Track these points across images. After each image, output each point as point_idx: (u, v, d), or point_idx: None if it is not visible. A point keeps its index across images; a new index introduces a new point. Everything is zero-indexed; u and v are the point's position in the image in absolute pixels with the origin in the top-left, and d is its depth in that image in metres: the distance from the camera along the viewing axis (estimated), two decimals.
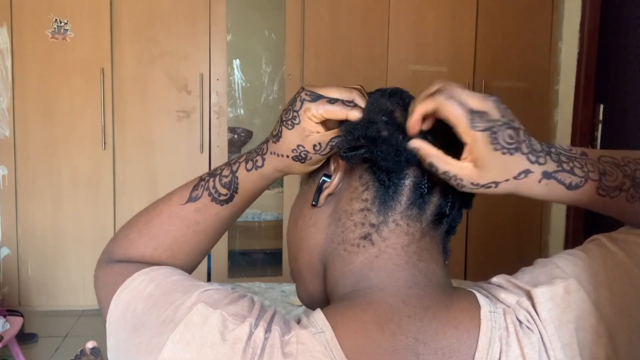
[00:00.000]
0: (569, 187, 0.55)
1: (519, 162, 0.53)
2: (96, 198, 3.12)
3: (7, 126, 3.02)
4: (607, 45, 3.03)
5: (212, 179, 0.64)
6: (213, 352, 0.49)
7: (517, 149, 0.52)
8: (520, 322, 0.53)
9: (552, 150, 0.55)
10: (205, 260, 3.22)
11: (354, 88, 0.59)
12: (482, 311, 0.54)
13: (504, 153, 0.52)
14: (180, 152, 3.19)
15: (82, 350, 1.55)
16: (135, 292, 0.57)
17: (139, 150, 3.15)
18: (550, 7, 3.33)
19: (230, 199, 0.63)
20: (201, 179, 0.65)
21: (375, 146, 0.55)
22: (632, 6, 2.77)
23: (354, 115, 0.56)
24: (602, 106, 3.00)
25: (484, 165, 0.52)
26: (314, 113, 0.57)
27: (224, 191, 0.63)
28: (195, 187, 0.64)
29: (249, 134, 3.80)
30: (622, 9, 2.88)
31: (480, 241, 3.36)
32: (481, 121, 0.51)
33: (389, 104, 0.59)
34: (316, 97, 0.57)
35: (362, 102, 0.58)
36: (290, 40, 3.22)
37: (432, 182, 0.57)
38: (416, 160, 0.55)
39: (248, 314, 0.52)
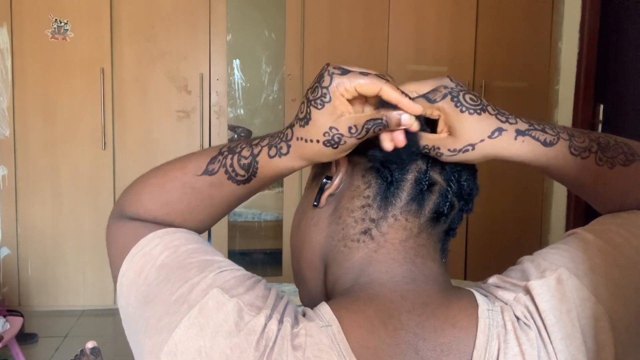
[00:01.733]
0: (545, 143, 0.57)
1: (489, 120, 0.56)
2: (96, 198, 3.12)
3: (7, 126, 3.02)
4: (607, 45, 3.03)
5: (230, 156, 0.59)
6: (226, 342, 0.49)
7: (484, 110, 0.55)
8: (518, 318, 0.53)
9: (520, 117, 0.58)
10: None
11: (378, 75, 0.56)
12: (480, 309, 0.54)
13: (470, 113, 0.55)
14: (180, 152, 3.13)
15: (82, 350, 1.55)
16: (149, 257, 0.56)
17: (139, 150, 3.15)
18: (550, 7, 3.33)
19: (247, 180, 0.59)
20: (220, 152, 0.60)
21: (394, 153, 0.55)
22: (632, 6, 2.77)
23: (388, 89, 0.53)
24: (602, 106, 3.00)
25: (457, 130, 0.55)
26: (346, 87, 0.52)
27: (241, 172, 0.59)
28: (212, 160, 0.59)
29: (249, 134, 3.80)
30: (622, 9, 2.88)
31: (480, 241, 3.36)
32: (436, 94, 0.55)
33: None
34: (346, 71, 0.53)
35: (394, 87, 0.55)
36: (290, 40, 3.22)
37: (432, 180, 0.58)
38: (419, 153, 0.57)
39: (263, 304, 0.52)
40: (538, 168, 0.60)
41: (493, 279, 0.59)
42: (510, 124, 0.56)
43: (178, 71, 3.16)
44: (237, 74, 3.75)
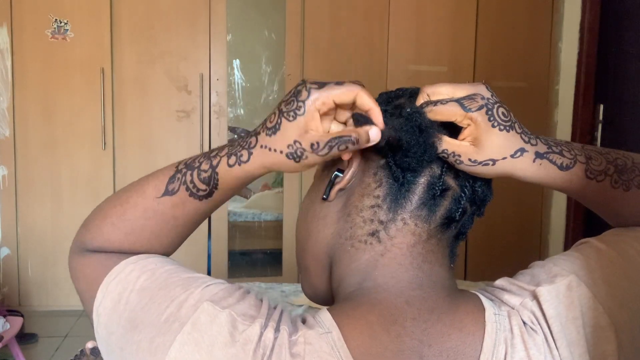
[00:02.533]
0: (561, 167, 0.57)
1: (515, 140, 0.55)
2: (96, 198, 3.12)
3: (7, 126, 3.02)
4: (607, 45, 3.03)
5: (189, 172, 0.57)
6: (223, 353, 0.48)
7: (512, 127, 0.55)
8: (524, 323, 0.53)
9: (540, 136, 0.57)
10: (205, 260, 3.23)
11: (353, 82, 0.56)
12: (487, 313, 0.54)
13: (501, 130, 0.54)
14: (180, 152, 3.19)
15: (82, 350, 1.55)
16: (126, 282, 0.54)
17: (139, 150, 3.15)
18: (550, 7, 3.33)
19: (209, 194, 0.58)
20: (177, 170, 0.58)
21: (399, 145, 0.54)
22: (632, 6, 2.77)
23: (363, 94, 0.53)
24: (602, 106, 3.00)
25: (483, 143, 0.54)
26: (324, 101, 0.52)
27: (202, 187, 0.57)
28: (171, 179, 0.58)
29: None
30: (622, 9, 2.88)
31: (480, 241, 3.36)
32: (473, 102, 0.54)
33: (408, 103, 0.59)
34: (322, 84, 0.53)
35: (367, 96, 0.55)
36: (290, 40, 3.22)
37: (446, 185, 0.57)
38: (435, 157, 0.56)
39: (256, 313, 0.51)
40: (551, 188, 0.60)
41: (500, 281, 0.59)
42: (532, 145, 0.56)
43: (178, 71, 3.16)
44: (237, 74, 3.75)
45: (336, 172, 0.60)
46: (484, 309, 0.54)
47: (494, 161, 0.55)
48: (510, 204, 3.36)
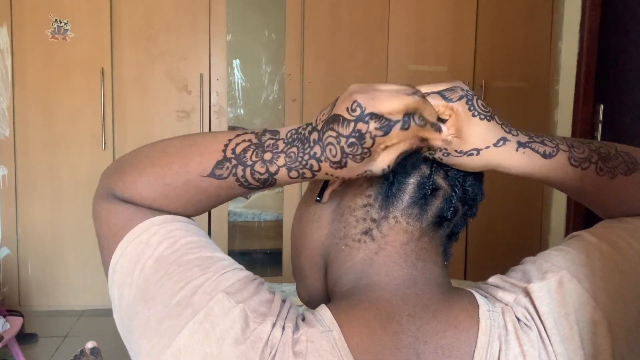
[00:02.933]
0: (544, 155, 0.57)
1: (496, 129, 0.56)
2: None
3: (7, 126, 3.02)
4: (607, 45, 3.03)
5: (241, 167, 0.54)
6: (233, 350, 0.49)
7: (492, 117, 0.56)
8: (518, 319, 0.54)
9: (519, 129, 0.58)
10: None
11: (414, 90, 0.53)
12: (481, 310, 0.54)
13: (481, 119, 0.55)
14: None
15: (81, 351, 1.55)
16: (146, 246, 0.54)
17: None
18: (550, 7, 3.33)
19: (261, 188, 0.57)
20: (225, 157, 0.55)
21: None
22: (632, 6, 2.77)
23: (428, 134, 0.52)
24: (602, 106, 3.00)
25: (465, 132, 0.55)
26: (387, 144, 0.51)
27: (256, 183, 0.55)
28: (219, 165, 0.55)
29: None
30: (622, 9, 2.88)
31: (480, 241, 3.36)
32: (453, 93, 0.55)
33: None
34: (387, 127, 0.50)
35: (427, 111, 0.52)
36: (290, 40, 3.22)
37: (436, 185, 0.58)
38: (420, 160, 0.57)
39: (268, 310, 0.52)
40: (538, 179, 0.60)
41: (493, 279, 0.59)
42: (513, 135, 0.57)
43: (178, 71, 3.16)
44: (237, 74, 3.75)
45: None
46: (478, 306, 0.55)
47: (478, 150, 0.55)
48: (510, 204, 3.36)
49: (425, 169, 0.58)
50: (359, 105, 0.50)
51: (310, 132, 0.53)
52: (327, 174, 0.53)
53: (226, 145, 0.55)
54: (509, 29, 3.31)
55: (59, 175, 3.09)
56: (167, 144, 0.60)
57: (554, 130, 3.36)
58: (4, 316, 2.47)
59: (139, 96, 3.14)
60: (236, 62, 3.73)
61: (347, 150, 0.50)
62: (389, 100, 0.50)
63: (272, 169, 0.54)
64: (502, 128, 0.56)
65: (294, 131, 0.54)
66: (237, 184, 0.55)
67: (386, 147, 0.51)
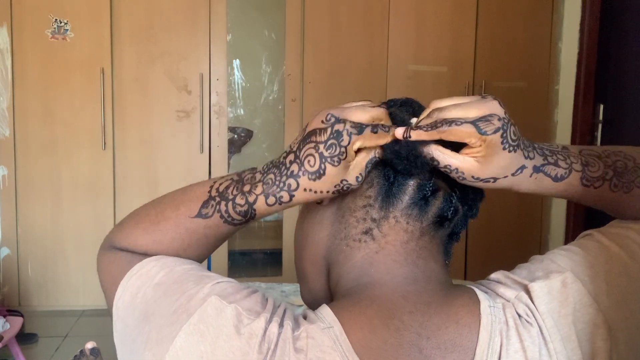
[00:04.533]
0: (555, 179, 0.58)
1: (519, 158, 0.55)
2: (96, 198, 3.12)
3: (7, 126, 3.02)
4: (607, 45, 3.03)
5: (224, 203, 0.59)
6: (228, 346, 0.49)
7: (518, 146, 0.55)
8: (519, 315, 0.54)
9: (536, 145, 0.58)
10: (205, 260, 3.22)
11: (377, 106, 0.58)
12: (482, 306, 0.55)
13: (510, 151, 0.54)
14: (180, 152, 3.19)
15: (81, 351, 1.55)
16: (146, 277, 0.57)
17: (139, 150, 3.15)
18: (550, 7, 3.33)
19: (245, 223, 0.60)
20: (210, 196, 0.60)
21: (400, 157, 0.56)
22: (632, 6, 2.77)
23: (397, 134, 0.55)
24: (602, 106, 3.00)
25: (490, 162, 0.54)
26: (359, 145, 0.55)
27: (238, 217, 0.59)
28: (204, 205, 0.60)
29: (249, 133, 3.80)
30: (622, 9, 2.88)
31: (480, 241, 3.36)
32: (489, 125, 0.53)
33: (400, 113, 0.61)
34: (360, 128, 0.54)
35: (387, 118, 0.57)
36: (290, 40, 3.22)
37: (437, 186, 0.59)
38: (427, 165, 0.57)
39: (262, 309, 0.53)
40: (547, 196, 0.60)
41: (496, 275, 0.60)
42: (530, 159, 0.56)
43: (178, 71, 3.16)
44: (237, 74, 3.75)
45: None
46: (479, 302, 0.55)
47: (495, 179, 0.55)
48: (510, 204, 3.36)
49: (425, 172, 0.58)
50: (333, 115, 0.55)
51: (285, 157, 0.57)
52: (305, 189, 0.56)
53: (211, 187, 0.61)
54: (509, 29, 3.31)
55: (59, 175, 3.09)
56: (162, 196, 0.65)
57: (553, 130, 3.36)
58: (4, 316, 2.47)
59: (139, 96, 3.14)
60: (236, 62, 3.73)
61: (326, 153, 0.54)
62: (357, 112, 0.55)
63: (251, 198, 0.58)
64: (523, 154, 0.55)
65: (269, 162, 0.59)
66: (222, 221, 0.59)
67: (358, 151, 0.55)
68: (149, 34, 3.10)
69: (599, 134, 3.00)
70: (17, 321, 2.50)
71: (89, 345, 1.53)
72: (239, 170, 0.61)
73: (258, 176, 0.58)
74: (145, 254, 0.61)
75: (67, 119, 3.07)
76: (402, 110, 0.61)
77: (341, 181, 0.55)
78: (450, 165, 0.55)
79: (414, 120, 0.57)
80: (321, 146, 0.54)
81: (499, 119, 0.53)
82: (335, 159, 0.54)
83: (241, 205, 0.58)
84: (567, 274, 0.55)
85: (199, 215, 0.60)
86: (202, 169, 3.21)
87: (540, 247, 3.44)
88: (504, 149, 0.53)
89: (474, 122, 0.53)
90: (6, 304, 2.99)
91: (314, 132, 0.55)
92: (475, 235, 3.37)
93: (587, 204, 0.63)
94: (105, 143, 3.09)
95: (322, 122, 0.55)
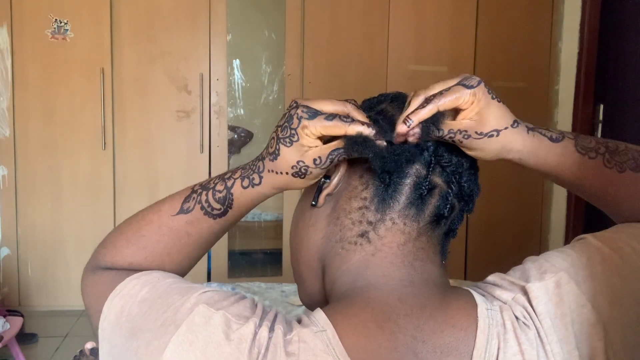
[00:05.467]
0: (551, 139, 0.60)
1: (509, 112, 0.59)
2: (96, 198, 3.12)
3: (7, 126, 3.02)
4: (607, 45, 3.03)
5: (204, 192, 0.61)
6: (218, 352, 0.49)
7: (502, 102, 0.59)
8: (517, 318, 0.54)
9: None
10: (205, 260, 3.23)
11: (347, 101, 0.59)
12: (479, 309, 0.54)
13: (498, 101, 0.58)
14: (180, 152, 3.19)
15: (81, 351, 1.55)
16: (129, 296, 0.56)
17: (139, 150, 3.15)
18: (550, 7, 3.33)
19: (223, 213, 0.62)
20: (193, 190, 0.62)
21: (374, 153, 0.56)
22: (632, 6, 2.77)
23: (353, 130, 0.56)
24: (602, 106, 3.00)
25: (486, 115, 0.57)
26: (312, 130, 0.56)
27: (217, 206, 0.61)
28: (186, 199, 0.62)
29: (249, 134, 3.80)
30: (622, 9, 2.88)
31: (480, 241, 3.36)
32: (471, 80, 0.58)
33: (390, 108, 0.61)
34: (313, 114, 0.56)
35: (358, 115, 0.57)
36: (290, 40, 3.22)
37: (433, 184, 0.58)
38: (414, 158, 0.57)
39: (251, 314, 0.52)
40: (548, 168, 0.61)
41: (492, 277, 0.60)
42: (520, 122, 0.60)
43: (178, 71, 3.16)
44: (237, 74, 3.75)
45: (323, 178, 0.61)
46: (476, 305, 0.55)
47: (498, 132, 0.58)
48: (510, 204, 3.36)
49: (421, 169, 0.58)
50: (295, 101, 0.58)
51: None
52: (269, 170, 0.59)
53: (196, 184, 0.63)
54: (509, 29, 3.31)
55: (59, 175, 3.09)
56: (144, 208, 0.66)
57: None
58: (4, 316, 2.47)
59: (139, 96, 3.14)
60: (236, 62, 3.73)
61: (280, 135, 0.57)
62: (322, 102, 0.57)
63: (229, 183, 0.61)
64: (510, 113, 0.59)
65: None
66: (202, 213, 0.61)
67: (315, 140, 0.56)
68: (149, 34, 3.10)
69: (599, 134, 3.00)
70: (17, 321, 2.50)
71: (89, 345, 1.53)
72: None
73: (241, 165, 0.62)
74: (130, 268, 0.61)
75: (67, 119, 3.07)
76: (394, 105, 0.61)
77: (297, 162, 0.57)
78: (452, 129, 0.57)
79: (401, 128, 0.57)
80: (278, 129, 0.58)
81: (475, 77, 0.58)
82: (287, 140, 0.57)
83: (220, 192, 0.61)
84: (561, 274, 0.55)
85: (181, 210, 0.62)
86: (202, 169, 3.21)
87: (540, 247, 3.44)
88: (493, 98, 0.58)
89: (459, 83, 0.57)
90: (6, 304, 2.99)
91: (281, 117, 0.59)
92: (475, 235, 3.37)
93: (583, 187, 0.63)
94: (105, 143, 3.09)
95: (287, 108, 0.58)
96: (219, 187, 0.61)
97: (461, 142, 0.58)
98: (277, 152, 0.58)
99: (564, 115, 3.29)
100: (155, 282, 0.57)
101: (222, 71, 3.20)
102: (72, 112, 3.08)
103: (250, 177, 0.60)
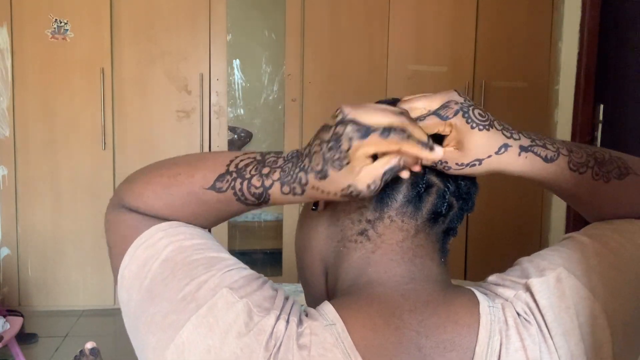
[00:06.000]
0: (545, 159, 0.59)
1: (497, 137, 0.56)
2: (96, 198, 3.12)
3: (7, 126, 3.02)
4: (607, 45, 3.03)
5: (239, 181, 0.56)
6: (237, 342, 0.49)
7: (491, 125, 0.56)
8: (519, 314, 0.54)
9: (522, 131, 0.59)
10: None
11: (401, 112, 0.52)
12: (481, 306, 0.55)
13: (480, 129, 0.56)
14: (180, 152, 3.15)
15: (81, 351, 1.55)
16: (153, 250, 0.55)
17: (139, 150, 3.15)
18: (550, 7, 3.33)
19: (257, 205, 0.58)
20: (227, 171, 0.57)
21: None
22: (632, 6, 2.77)
23: (411, 149, 0.51)
24: (602, 106, 3.00)
25: (466, 145, 0.56)
26: (364, 151, 0.50)
27: (252, 199, 0.57)
28: (220, 178, 0.57)
29: (249, 134, 3.80)
30: (622, 9, 2.88)
31: (480, 241, 3.36)
32: (448, 110, 0.55)
33: None
34: (365, 132, 0.49)
35: (415, 130, 0.52)
36: (290, 40, 3.22)
37: (430, 182, 0.59)
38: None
39: (271, 305, 0.52)
40: (537, 182, 0.61)
41: (492, 277, 0.60)
42: (515, 139, 0.57)
43: (178, 71, 3.16)
44: (237, 74, 3.76)
45: None
46: (478, 302, 0.55)
47: (480, 161, 0.57)
48: (510, 204, 3.36)
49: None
50: (342, 111, 0.51)
51: (305, 148, 0.54)
52: (313, 187, 0.53)
53: (231, 161, 0.57)
54: (509, 29, 3.31)
55: (59, 175, 3.09)
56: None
57: (553, 130, 3.36)
58: (4, 316, 2.47)
59: (139, 96, 3.14)
60: (236, 62, 3.74)
61: (327, 155, 0.51)
62: (374, 113, 0.50)
63: (267, 182, 0.55)
64: (503, 134, 0.57)
65: (295, 150, 0.55)
66: (235, 198, 0.57)
67: (366, 158, 0.50)
68: (149, 34, 3.10)
69: (599, 134, 3.00)
70: (17, 321, 2.50)
71: (89, 345, 1.54)
72: (263, 151, 0.58)
73: (280, 162, 0.55)
74: (156, 216, 0.59)
75: (67, 119, 3.07)
76: None
77: (348, 186, 0.51)
78: (434, 159, 0.54)
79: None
80: (324, 146, 0.51)
81: (456, 103, 0.56)
82: (336, 163, 0.50)
83: (256, 187, 0.55)
84: (560, 269, 0.56)
85: (213, 187, 0.57)
86: None
87: (540, 247, 3.43)
88: (473, 127, 0.55)
89: (435, 112, 0.56)
90: (6, 304, 2.99)
91: (324, 127, 0.52)
92: (475, 235, 3.37)
93: (570, 196, 0.64)
94: (105, 143, 3.09)
95: (332, 116, 0.52)
96: (256, 182, 0.55)
97: (443, 170, 0.58)
98: (325, 174, 0.51)
99: (564, 115, 3.29)
100: (181, 240, 0.56)
101: (222, 71, 3.20)
102: (72, 112, 3.08)
103: (292, 185, 0.54)
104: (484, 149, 0.56)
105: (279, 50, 3.49)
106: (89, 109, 3.08)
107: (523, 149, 0.57)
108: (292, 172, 0.54)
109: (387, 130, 0.50)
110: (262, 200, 0.56)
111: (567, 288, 0.55)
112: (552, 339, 0.53)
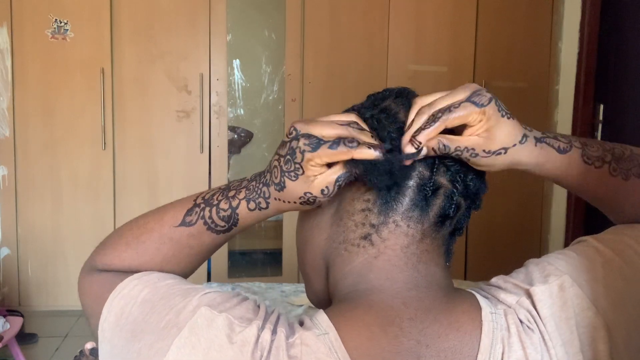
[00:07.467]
0: (559, 150, 0.59)
1: (518, 127, 0.57)
2: (96, 198, 3.12)
3: (7, 126, 3.02)
4: (607, 45, 3.03)
5: (208, 209, 0.60)
6: (220, 356, 0.49)
7: (513, 116, 0.57)
8: (521, 322, 0.53)
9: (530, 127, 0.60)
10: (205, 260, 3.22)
11: (349, 123, 0.55)
12: (483, 312, 0.54)
13: (508, 118, 0.56)
14: (180, 152, 3.19)
15: (81, 351, 1.55)
16: (129, 297, 0.56)
17: (139, 150, 3.15)
18: (550, 7, 3.33)
19: (227, 230, 0.61)
20: (195, 204, 0.61)
21: (379, 172, 0.55)
22: (632, 6, 2.77)
23: (359, 155, 0.53)
24: (602, 106, 3.00)
25: (495, 133, 0.55)
26: (317, 161, 0.54)
27: (221, 223, 0.60)
28: (189, 212, 0.61)
29: (249, 134, 3.80)
30: (622, 9, 2.88)
31: (480, 241, 3.36)
32: (482, 97, 0.55)
33: (394, 105, 0.59)
34: (316, 145, 0.53)
35: (362, 137, 0.54)
36: (290, 40, 3.22)
37: (437, 184, 0.57)
38: (409, 173, 0.56)
39: (254, 316, 0.52)
40: (552, 177, 0.60)
41: (496, 280, 0.59)
42: (529, 131, 0.58)
43: (178, 71, 3.16)
44: (237, 74, 3.75)
45: None
46: (480, 308, 0.54)
47: (506, 149, 0.56)
48: (510, 205, 3.36)
49: (424, 170, 0.57)
50: (295, 129, 0.55)
51: (267, 165, 0.58)
52: (275, 199, 0.57)
53: (198, 196, 0.62)
54: (509, 29, 3.31)
55: (59, 175, 3.09)
56: (145, 213, 0.65)
57: (554, 130, 3.36)
58: (4, 316, 2.47)
59: (139, 96, 3.14)
60: (236, 62, 3.73)
61: (284, 168, 0.55)
62: (324, 127, 0.54)
63: (234, 203, 0.59)
64: (521, 125, 0.57)
65: (258, 172, 0.60)
66: (205, 228, 0.60)
67: (321, 167, 0.54)
68: (149, 34, 3.10)
69: (599, 134, 3.00)
70: (17, 321, 2.50)
71: (89, 345, 1.53)
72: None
73: (244, 183, 0.60)
74: (128, 270, 0.60)
75: (67, 119, 3.07)
76: (398, 102, 0.60)
77: (305, 193, 0.55)
78: (460, 146, 0.55)
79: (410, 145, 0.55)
80: (282, 160, 0.55)
81: (487, 91, 0.56)
82: (292, 174, 0.55)
83: (224, 210, 0.59)
84: (565, 277, 0.55)
85: (183, 223, 0.60)
86: (202, 169, 3.21)
87: (540, 247, 3.44)
88: (502, 116, 0.55)
89: (468, 99, 0.55)
90: (6, 304, 2.99)
91: (281, 144, 0.56)
92: (475, 235, 3.37)
93: (588, 192, 0.63)
94: (105, 143, 3.09)
95: (287, 134, 0.56)
96: (223, 205, 0.60)
97: (468, 159, 0.57)
98: (282, 184, 0.56)
99: (564, 115, 3.29)
100: (155, 282, 0.57)
101: (222, 71, 3.20)
102: (72, 112, 3.08)
103: (257, 200, 0.59)
104: (510, 137, 0.56)
105: (279, 50, 3.49)
106: (89, 108, 3.08)
107: (537, 139, 0.58)
108: (256, 189, 0.59)
109: (335, 142, 0.53)
110: (231, 222, 0.60)
111: (569, 297, 0.54)
112: (554, 348, 0.52)
